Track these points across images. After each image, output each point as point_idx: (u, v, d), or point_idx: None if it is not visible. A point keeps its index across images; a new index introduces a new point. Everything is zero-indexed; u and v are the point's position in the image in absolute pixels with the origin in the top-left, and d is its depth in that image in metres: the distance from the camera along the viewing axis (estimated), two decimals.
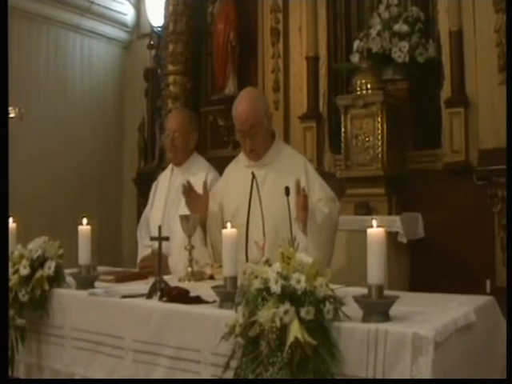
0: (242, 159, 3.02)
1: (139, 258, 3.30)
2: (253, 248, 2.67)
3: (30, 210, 5.52)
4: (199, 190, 2.97)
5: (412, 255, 4.72)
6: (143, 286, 2.45)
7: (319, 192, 2.83)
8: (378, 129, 4.72)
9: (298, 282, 1.70)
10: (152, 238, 2.62)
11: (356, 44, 5.26)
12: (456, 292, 2.22)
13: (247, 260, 2.65)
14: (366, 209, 4.63)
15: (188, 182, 2.88)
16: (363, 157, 4.80)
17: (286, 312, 1.66)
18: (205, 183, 3.06)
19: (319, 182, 2.89)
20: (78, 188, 6.45)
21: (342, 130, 4.90)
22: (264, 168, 2.88)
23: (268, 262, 1.81)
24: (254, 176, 2.77)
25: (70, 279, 2.59)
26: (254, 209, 2.75)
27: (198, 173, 3.25)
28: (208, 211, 2.95)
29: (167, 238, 2.56)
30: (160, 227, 2.51)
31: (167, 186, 3.42)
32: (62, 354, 2.45)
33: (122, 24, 7.25)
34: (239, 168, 3.01)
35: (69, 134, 6.45)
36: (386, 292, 1.81)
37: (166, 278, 2.42)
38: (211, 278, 2.72)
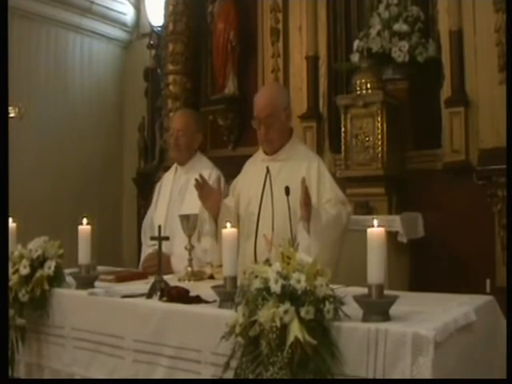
0: (259, 154, 3.05)
1: (142, 257, 3.30)
2: (261, 240, 2.73)
3: (30, 210, 5.51)
4: None
5: (412, 255, 4.71)
6: (143, 285, 2.45)
7: (329, 193, 2.82)
8: (378, 128, 4.72)
9: (298, 281, 1.70)
10: (152, 238, 2.62)
11: (356, 44, 5.26)
12: (456, 292, 2.22)
13: (255, 251, 2.70)
14: (366, 208, 4.63)
15: (201, 176, 2.88)
16: (363, 156, 4.80)
17: (286, 312, 1.66)
18: (218, 177, 3.08)
19: (331, 183, 2.88)
20: (78, 188, 6.44)
21: (342, 129, 4.91)
22: (279, 163, 2.90)
23: (268, 262, 1.81)
24: (268, 171, 2.80)
25: (69, 279, 2.59)
26: (265, 203, 2.78)
27: (202, 171, 3.25)
28: (221, 205, 2.94)
29: (167, 238, 2.57)
30: (160, 227, 2.52)
31: (171, 186, 3.43)
32: (63, 354, 2.46)
33: (122, 24, 7.25)
34: (256, 162, 3.04)
35: (69, 134, 6.44)
36: (386, 292, 1.81)
37: (166, 277, 2.42)
38: (211, 277, 2.73)
